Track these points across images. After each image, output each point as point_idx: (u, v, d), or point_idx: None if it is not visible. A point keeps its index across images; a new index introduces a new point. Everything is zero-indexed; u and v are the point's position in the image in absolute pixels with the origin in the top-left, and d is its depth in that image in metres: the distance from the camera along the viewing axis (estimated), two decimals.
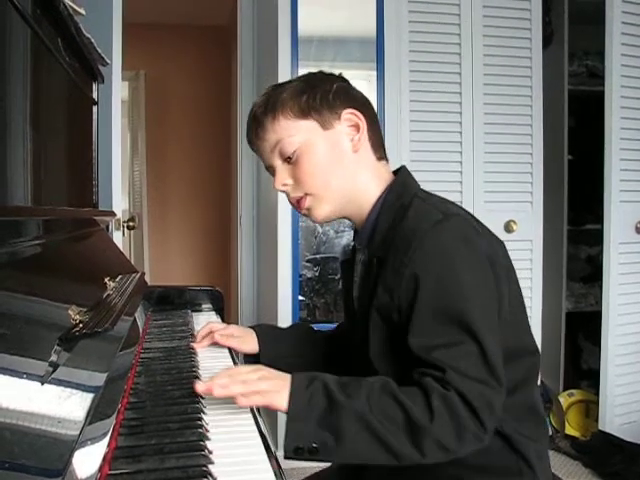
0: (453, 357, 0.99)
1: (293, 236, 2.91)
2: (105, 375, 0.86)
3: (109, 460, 0.78)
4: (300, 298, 2.95)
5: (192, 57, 5.37)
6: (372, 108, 1.23)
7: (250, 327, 1.44)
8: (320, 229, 2.97)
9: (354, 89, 1.23)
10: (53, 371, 0.73)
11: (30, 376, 0.68)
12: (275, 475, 0.80)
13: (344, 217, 1.23)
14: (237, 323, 3.58)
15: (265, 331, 1.43)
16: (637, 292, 2.89)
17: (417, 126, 2.95)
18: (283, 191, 1.20)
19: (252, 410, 1.01)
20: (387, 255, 1.10)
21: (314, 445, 0.95)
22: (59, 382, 0.73)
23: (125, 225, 3.09)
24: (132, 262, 2.31)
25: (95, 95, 1.90)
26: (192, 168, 5.44)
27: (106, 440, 0.78)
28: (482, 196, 2.89)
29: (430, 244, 1.05)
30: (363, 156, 1.19)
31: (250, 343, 1.39)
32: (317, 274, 2.98)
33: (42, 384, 0.69)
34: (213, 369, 1.23)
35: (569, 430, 3.16)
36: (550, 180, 3.22)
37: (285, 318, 2.90)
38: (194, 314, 1.77)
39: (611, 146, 2.78)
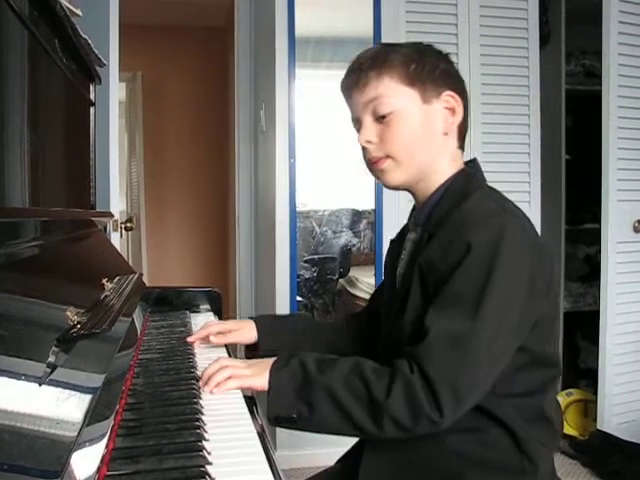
0: (445, 339, 1.00)
1: (291, 237, 2.91)
2: (103, 376, 0.86)
3: (107, 461, 0.78)
4: (298, 299, 2.95)
5: (189, 58, 5.37)
6: (467, 97, 1.23)
7: (250, 318, 1.44)
8: (318, 229, 2.97)
9: (459, 73, 1.23)
10: (51, 372, 0.73)
11: (28, 377, 0.68)
12: (273, 476, 0.80)
13: (410, 191, 1.24)
14: None
15: (264, 320, 1.43)
16: (635, 291, 2.89)
17: None
18: (365, 148, 1.19)
19: (251, 411, 1.01)
20: (437, 234, 1.12)
21: (292, 415, 1.03)
22: (57, 383, 0.73)
23: (123, 226, 3.08)
24: (130, 263, 2.31)
25: (92, 96, 1.90)
26: (189, 169, 5.44)
27: (104, 441, 0.78)
28: None
29: (482, 230, 1.05)
30: (450, 140, 1.20)
31: (248, 333, 1.39)
32: (315, 274, 2.98)
33: (40, 385, 0.69)
34: None
35: (568, 429, 3.16)
36: (548, 180, 3.23)
37: None
38: (192, 315, 1.77)
39: (608, 145, 2.78)
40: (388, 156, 1.17)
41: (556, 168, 3.47)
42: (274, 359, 1.09)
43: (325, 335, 1.44)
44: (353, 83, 1.19)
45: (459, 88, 1.21)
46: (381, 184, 1.25)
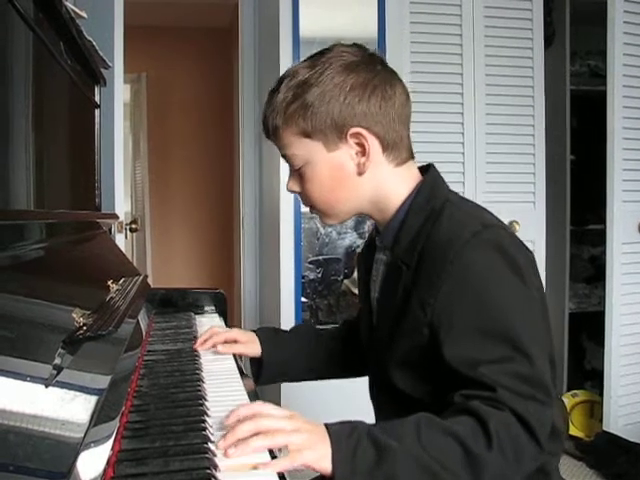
0: (504, 374, 0.92)
1: (296, 238, 2.90)
2: (109, 378, 0.86)
3: (113, 463, 0.78)
4: (302, 300, 2.95)
5: (193, 59, 5.37)
6: (391, 106, 1.09)
7: (252, 331, 1.44)
8: (322, 230, 2.97)
9: (369, 81, 1.08)
10: (57, 374, 0.73)
11: (34, 379, 0.68)
12: (279, 478, 0.79)
13: (365, 215, 1.20)
14: (240, 325, 3.59)
15: (267, 334, 1.43)
16: None
17: (419, 127, 2.93)
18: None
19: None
20: (419, 265, 1.04)
21: None
22: (63, 385, 0.73)
23: (127, 228, 3.08)
24: (134, 264, 2.31)
25: (97, 98, 1.91)
26: (194, 170, 5.44)
27: (110, 443, 0.78)
28: (484, 197, 2.88)
29: (468, 256, 0.99)
30: (375, 173, 1.11)
31: (253, 347, 1.39)
32: (320, 276, 2.98)
33: (46, 387, 0.69)
34: (216, 372, 1.24)
35: (573, 431, 3.15)
36: (553, 180, 3.22)
37: (288, 320, 2.90)
38: (197, 316, 1.77)
39: (613, 146, 2.77)
40: (312, 206, 1.16)
41: (561, 169, 3.47)
42: (326, 428, 0.88)
43: (323, 342, 1.44)
44: (266, 133, 1.16)
45: (367, 114, 1.08)
46: None
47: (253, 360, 1.41)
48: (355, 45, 1.15)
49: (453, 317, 0.98)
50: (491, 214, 1.11)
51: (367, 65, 1.11)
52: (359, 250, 1.36)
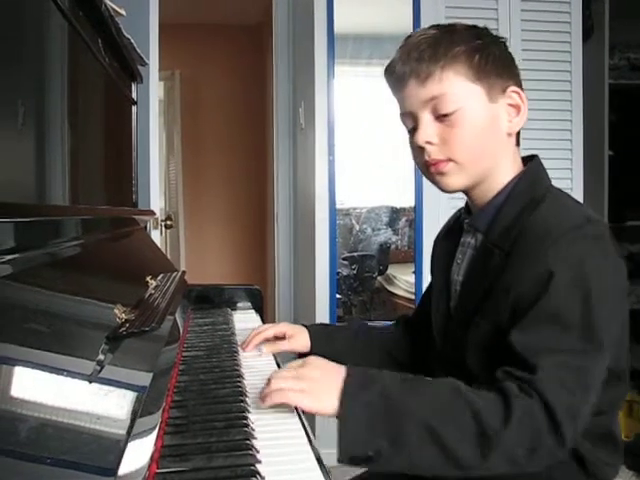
0: (557, 362, 0.90)
1: (331, 234, 2.90)
2: (151, 374, 0.86)
3: (157, 459, 0.78)
4: (337, 296, 2.94)
5: (227, 56, 5.39)
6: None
7: (302, 325, 1.40)
8: (357, 227, 2.96)
9: (515, 62, 1.12)
10: (100, 370, 0.73)
11: (79, 375, 0.68)
12: (323, 475, 0.79)
13: (465, 192, 1.14)
14: (274, 321, 3.59)
15: (317, 328, 1.39)
16: None
17: None
18: (422, 148, 1.07)
19: (297, 409, 1.00)
20: (512, 250, 1.01)
21: (369, 454, 0.87)
22: (107, 381, 0.73)
23: (163, 224, 3.10)
24: None
25: (134, 95, 1.92)
26: (227, 166, 5.46)
27: (153, 439, 0.78)
28: None
29: (568, 246, 0.95)
30: (511, 140, 1.10)
31: (302, 341, 1.35)
32: (354, 272, 2.97)
33: (90, 383, 0.69)
34: (256, 368, 1.23)
35: None
36: (590, 176, 3.17)
37: (322, 316, 2.90)
38: (233, 312, 1.77)
39: None
40: (450, 159, 1.06)
41: (599, 164, 3.41)
42: (343, 373, 0.93)
43: (378, 340, 1.39)
44: (411, 74, 1.06)
45: (519, 80, 1.10)
46: (438, 186, 1.12)
47: (302, 355, 1.36)
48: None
49: (535, 304, 0.94)
50: (591, 210, 1.08)
51: None
52: (436, 236, 1.32)
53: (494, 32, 1.12)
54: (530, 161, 1.13)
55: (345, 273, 2.97)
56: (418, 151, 1.09)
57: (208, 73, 5.44)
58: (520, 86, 1.09)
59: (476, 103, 1.05)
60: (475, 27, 1.11)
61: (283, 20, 3.55)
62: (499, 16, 2.94)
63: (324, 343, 1.35)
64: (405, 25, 2.93)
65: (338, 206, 2.93)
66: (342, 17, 2.89)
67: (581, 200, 3.01)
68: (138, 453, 0.70)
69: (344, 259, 2.97)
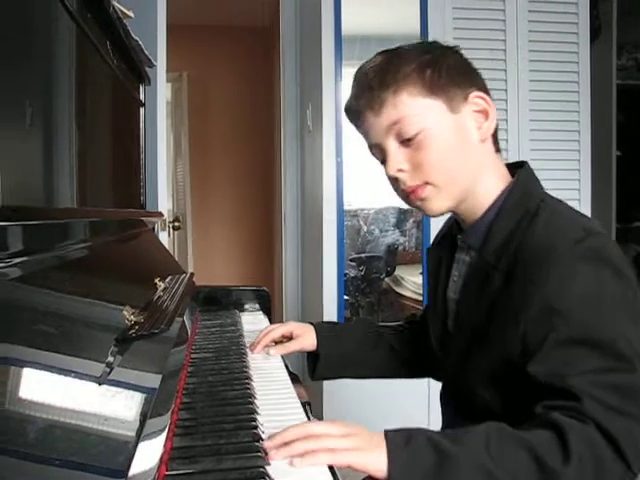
0: (595, 383, 0.84)
1: (339, 235, 2.90)
2: (160, 376, 0.86)
3: (166, 461, 0.78)
4: (344, 297, 2.94)
5: (234, 58, 5.39)
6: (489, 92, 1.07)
7: (309, 323, 1.39)
8: (365, 228, 2.96)
9: (475, 67, 1.08)
10: (110, 372, 0.73)
11: (88, 377, 0.68)
12: (331, 475, 0.79)
13: (454, 213, 1.10)
14: (282, 322, 3.59)
15: (325, 326, 1.38)
16: None
17: None
18: (396, 178, 1.04)
19: (305, 411, 1.00)
20: (511, 270, 0.96)
21: None
22: (116, 383, 0.73)
23: (171, 226, 3.11)
24: None
25: (142, 97, 1.92)
26: (235, 168, 5.46)
27: (162, 440, 0.78)
28: None
29: (572, 264, 0.91)
30: (487, 148, 1.05)
31: (310, 339, 1.33)
32: (362, 273, 2.97)
33: (100, 385, 0.69)
34: (264, 370, 1.23)
35: None
36: (598, 176, 3.17)
37: (330, 317, 2.89)
38: (241, 314, 1.77)
39: None
40: (426, 182, 1.02)
41: (607, 165, 3.41)
42: (382, 434, 0.83)
43: (386, 339, 1.37)
44: (366, 106, 1.04)
45: (482, 84, 1.06)
46: (423, 212, 1.08)
47: (310, 354, 1.36)
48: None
49: (549, 332, 0.88)
50: (588, 218, 1.04)
51: None
52: (429, 246, 1.28)
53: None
54: (518, 168, 1.08)
55: (352, 274, 2.97)
56: (394, 182, 1.06)
57: (215, 75, 5.44)
58: (484, 90, 1.05)
59: (438, 118, 1.01)
60: (422, 43, 1.09)
61: (290, 21, 3.55)
62: (506, 17, 2.93)
63: (331, 341, 1.34)
64: (413, 26, 2.93)
65: (346, 207, 2.93)
66: (349, 18, 2.89)
67: (589, 201, 3.01)
68: (147, 455, 0.70)
69: (351, 260, 2.97)
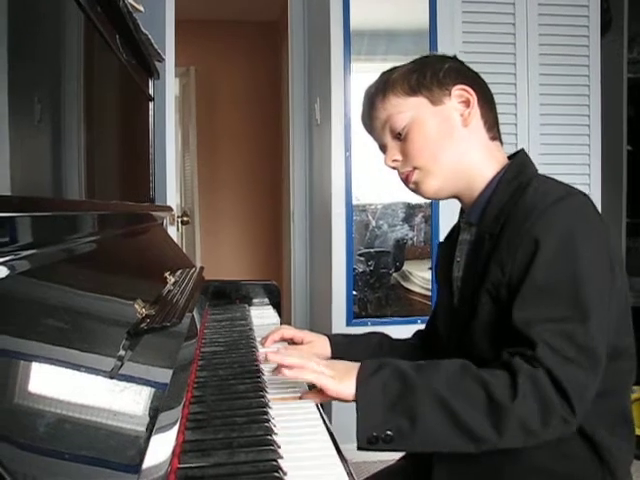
0: (553, 332, 0.94)
1: (347, 230, 2.89)
2: (172, 370, 0.86)
3: (178, 454, 0.78)
4: (353, 292, 2.94)
5: (242, 53, 5.39)
6: (486, 88, 1.21)
7: (324, 334, 1.39)
8: (374, 223, 2.95)
9: (468, 68, 1.21)
10: (121, 366, 0.73)
11: (100, 371, 0.68)
12: (345, 470, 0.79)
13: (453, 196, 1.21)
14: (290, 317, 3.59)
15: (339, 336, 1.39)
16: None
17: None
18: (393, 167, 1.19)
19: (317, 404, 1.00)
20: (502, 231, 1.07)
21: (388, 432, 0.92)
22: (128, 377, 0.73)
23: (179, 220, 3.11)
24: None
25: (151, 91, 1.92)
26: (243, 163, 5.46)
27: (174, 434, 0.78)
28: None
29: (552, 217, 1.00)
30: (475, 132, 1.17)
31: (321, 348, 1.33)
32: (371, 268, 2.96)
33: (112, 378, 0.69)
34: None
35: None
36: (608, 171, 3.15)
37: (339, 313, 2.89)
38: (251, 308, 1.77)
39: None
40: (415, 167, 1.16)
41: (617, 159, 3.39)
42: (359, 364, 1.00)
43: (400, 351, 1.38)
44: (367, 115, 1.22)
45: (470, 81, 1.17)
46: (421, 195, 1.22)
47: None
48: None
49: (528, 271, 0.99)
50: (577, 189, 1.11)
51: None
52: (439, 241, 1.38)
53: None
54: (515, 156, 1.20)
55: (361, 269, 2.97)
56: (397, 173, 1.21)
57: (223, 69, 5.44)
58: (466, 82, 1.16)
59: (421, 112, 1.15)
60: (422, 57, 1.23)
61: (299, 16, 3.54)
62: (516, 10, 2.92)
63: (346, 347, 1.35)
64: (421, 21, 2.92)
65: (354, 202, 2.92)
66: (358, 13, 2.88)
67: (599, 196, 2.99)
68: (160, 448, 0.70)
69: (360, 255, 2.96)
